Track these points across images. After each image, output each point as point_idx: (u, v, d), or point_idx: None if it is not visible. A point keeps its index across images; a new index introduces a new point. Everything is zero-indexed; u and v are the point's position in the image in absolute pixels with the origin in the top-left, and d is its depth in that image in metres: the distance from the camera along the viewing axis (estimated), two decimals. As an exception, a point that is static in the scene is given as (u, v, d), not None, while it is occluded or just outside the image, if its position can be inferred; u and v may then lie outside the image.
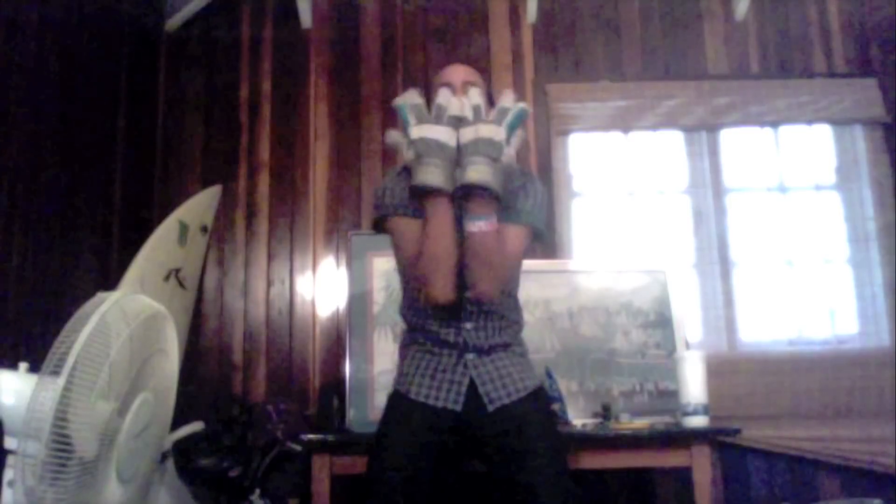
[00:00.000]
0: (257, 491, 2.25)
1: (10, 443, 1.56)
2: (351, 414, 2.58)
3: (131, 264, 2.45)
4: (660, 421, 2.54)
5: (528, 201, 1.77)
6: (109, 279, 2.58)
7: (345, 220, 3.10)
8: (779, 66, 3.29)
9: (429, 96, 1.75)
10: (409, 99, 1.67)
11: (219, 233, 3.08)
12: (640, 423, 2.44)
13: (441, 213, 1.64)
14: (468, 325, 1.76)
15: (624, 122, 3.19)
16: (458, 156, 1.63)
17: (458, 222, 1.67)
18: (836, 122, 3.24)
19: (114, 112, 2.80)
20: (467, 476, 2.04)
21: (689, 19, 3.33)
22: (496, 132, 1.62)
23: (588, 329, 2.77)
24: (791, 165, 3.26)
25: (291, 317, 3.03)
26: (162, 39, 3.23)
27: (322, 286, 3.05)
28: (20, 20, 2.18)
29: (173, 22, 3.22)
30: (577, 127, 3.18)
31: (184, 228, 2.79)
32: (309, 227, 3.10)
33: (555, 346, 2.74)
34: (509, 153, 1.63)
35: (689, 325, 2.91)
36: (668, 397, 2.66)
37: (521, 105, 1.66)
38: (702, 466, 2.23)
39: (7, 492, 1.55)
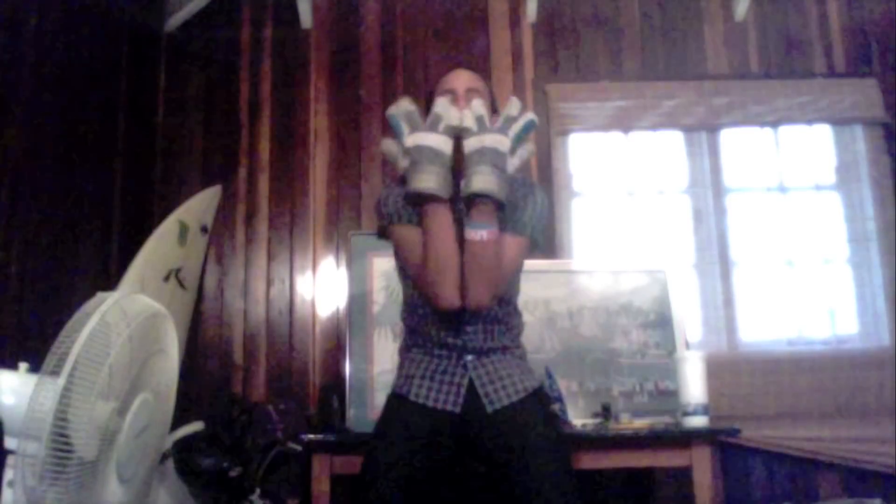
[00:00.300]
0: (257, 491, 2.24)
1: (10, 443, 1.56)
2: (351, 414, 2.58)
3: (131, 264, 2.45)
4: (660, 421, 2.54)
5: (529, 212, 1.76)
6: (109, 279, 2.58)
7: (345, 220, 3.10)
8: (779, 66, 3.29)
9: (431, 99, 1.75)
10: (402, 107, 1.67)
11: (219, 233, 3.08)
12: (640, 423, 2.44)
13: (439, 218, 1.65)
14: (468, 329, 1.76)
15: (624, 122, 3.19)
16: (462, 165, 1.63)
17: (461, 226, 1.67)
18: (836, 122, 3.24)
19: (114, 112, 2.80)
20: (467, 477, 2.04)
21: (689, 19, 3.33)
22: (501, 142, 1.62)
23: (588, 329, 2.77)
24: (791, 165, 3.26)
25: (291, 317, 3.03)
26: (162, 39, 3.23)
27: (322, 286, 3.05)
28: (20, 20, 2.18)
29: (173, 22, 3.22)
30: (577, 127, 3.18)
31: (184, 228, 2.79)
32: (309, 227, 3.10)
33: (555, 346, 2.74)
34: (513, 164, 1.63)
35: (689, 325, 2.91)
36: (668, 397, 2.66)
37: (529, 116, 1.65)
38: (702, 466, 2.23)
39: (7, 492, 1.54)
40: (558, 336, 2.75)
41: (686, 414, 2.33)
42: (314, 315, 3.03)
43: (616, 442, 2.28)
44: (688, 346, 2.77)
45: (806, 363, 2.97)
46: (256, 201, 3.12)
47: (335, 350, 2.97)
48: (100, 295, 1.72)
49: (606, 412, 2.50)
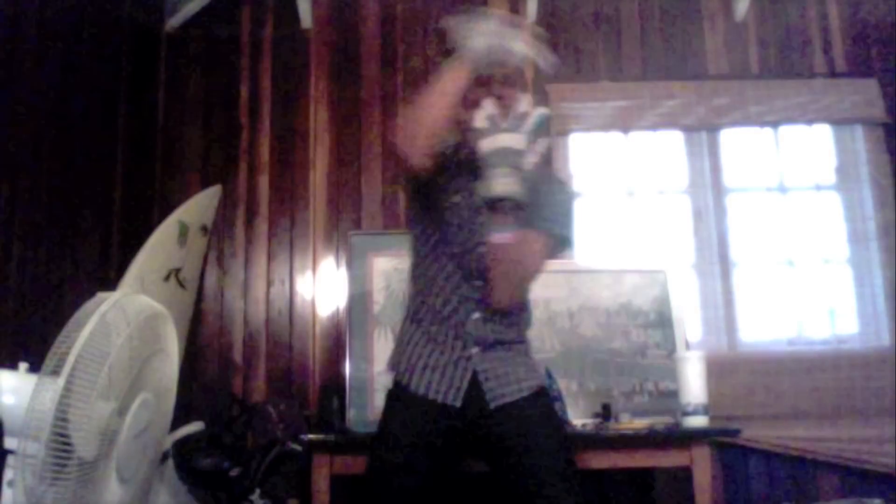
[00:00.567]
0: (257, 491, 2.25)
1: (10, 443, 1.56)
2: (351, 414, 2.58)
3: (131, 264, 2.44)
4: (660, 421, 2.54)
5: (554, 209, 1.75)
6: (109, 279, 2.58)
7: (345, 220, 3.10)
8: (779, 66, 3.29)
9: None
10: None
11: (219, 233, 3.08)
12: (640, 423, 2.44)
13: (458, 78, 1.59)
14: (476, 315, 1.74)
15: (624, 122, 3.19)
16: (478, 166, 1.63)
17: (474, 213, 1.69)
18: (836, 122, 3.24)
19: (114, 112, 2.80)
20: (467, 476, 2.04)
21: (689, 19, 3.33)
22: (516, 140, 1.61)
23: (588, 329, 2.77)
24: (791, 165, 3.26)
25: (291, 317, 3.03)
26: (162, 39, 3.23)
27: (322, 286, 3.05)
28: (20, 20, 2.18)
29: (173, 22, 3.22)
30: (577, 127, 3.18)
31: (184, 228, 2.78)
32: (309, 227, 3.09)
33: (555, 346, 2.74)
34: (531, 160, 1.63)
35: (689, 325, 2.91)
36: (668, 397, 2.66)
37: (542, 111, 1.65)
38: (702, 466, 2.23)
39: (7, 492, 1.55)
40: (558, 336, 2.75)
41: (686, 414, 2.33)
42: (314, 315, 3.03)
43: (616, 442, 2.28)
44: (688, 346, 2.77)
45: (806, 363, 2.97)
46: (256, 201, 3.12)
47: (335, 350, 2.97)
48: (100, 295, 1.72)
49: (606, 412, 2.51)
